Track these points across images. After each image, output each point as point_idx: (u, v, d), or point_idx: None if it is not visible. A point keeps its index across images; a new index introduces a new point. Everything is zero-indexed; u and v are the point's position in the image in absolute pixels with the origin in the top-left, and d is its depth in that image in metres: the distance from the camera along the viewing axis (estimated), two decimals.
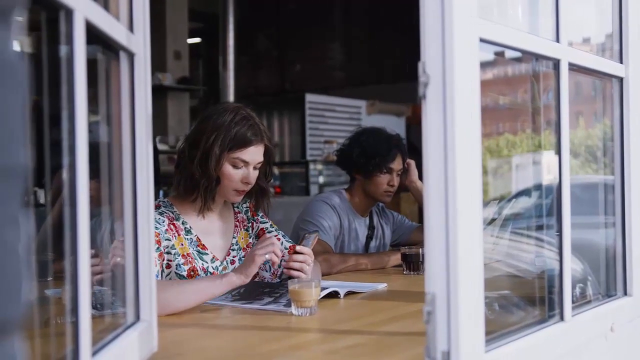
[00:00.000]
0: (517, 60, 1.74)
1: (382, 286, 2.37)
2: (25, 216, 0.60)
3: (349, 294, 2.19)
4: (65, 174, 1.03)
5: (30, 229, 0.60)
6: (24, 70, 0.59)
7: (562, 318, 1.53)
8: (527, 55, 1.61)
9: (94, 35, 1.13)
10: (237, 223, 2.39)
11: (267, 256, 1.99)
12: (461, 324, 1.17)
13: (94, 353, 1.11)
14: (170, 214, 2.21)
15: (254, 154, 2.22)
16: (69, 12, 1.01)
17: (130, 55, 1.36)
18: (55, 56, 1.04)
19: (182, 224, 2.23)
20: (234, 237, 2.35)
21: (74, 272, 1.02)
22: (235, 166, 2.20)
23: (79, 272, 1.02)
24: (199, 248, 2.23)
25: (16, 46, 0.58)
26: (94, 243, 1.08)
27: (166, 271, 2.13)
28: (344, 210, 3.05)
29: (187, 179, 2.22)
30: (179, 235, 2.20)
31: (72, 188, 1.02)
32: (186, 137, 2.28)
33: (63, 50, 1.03)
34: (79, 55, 1.02)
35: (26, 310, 0.60)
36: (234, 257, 2.32)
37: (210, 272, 2.22)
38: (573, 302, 1.57)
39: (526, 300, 1.74)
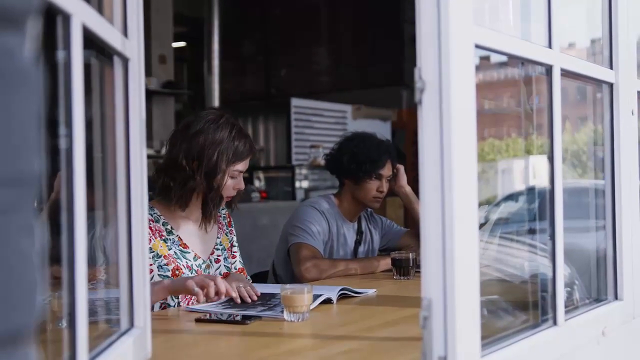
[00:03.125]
0: (502, 65, 1.75)
1: (372, 292, 2.37)
2: (38, 223, 0.59)
3: (342, 297, 2.20)
4: (62, 179, 1.02)
5: (43, 236, 0.60)
6: (38, 77, 0.58)
7: (555, 322, 1.53)
8: (513, 60, 1.62)
9: (89, 40, 1.12)
10: (220, 225, 2.49)
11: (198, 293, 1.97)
12: (458, 328, 1.17)
13: None
14: (149, 216, 2.23)
15: (247, 163, 2.37)
16: (67, 17, 1.00)
17: (125, 61, 1.35)
18: (51, 61, 1.04)
19: (163, 225, 2.30)
20: (218, 238, 2.45)
21: (70, 279, 1.01)
22: (232, 177, 2.32)
23: (76, 279, 1.01)
24: (180, 247, 2.30)
25: (30, 53, 0.58)
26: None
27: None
28: (333, 216, 3.05)
29: (189, 193, 2.28)
30: (156, 238, 2.26)
31: (69, 193, 1.01)
32: (183, 150, 2.27)
33: (59, 54, 1.03)
34: (76, 60, 1.02)
35: (40, 319, 0.59)
36: (218, 255, 2.42)
37: (195, 270, 2.30)
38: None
39: (518, 305, 1.74)
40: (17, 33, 0.56)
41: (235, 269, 2.44)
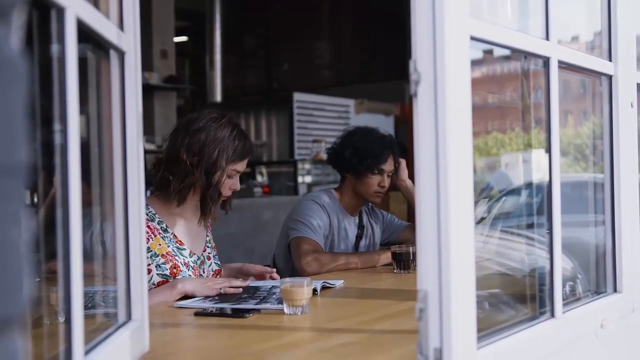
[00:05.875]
0: (506, 58, 1.75)
1: (339, 283, 2.41)
2: (26, 213, 0.60)
3: (324, 288, 2.25)
4: (57, 175, 1.02)
5: (31, 226, 0.61)
6: (24, 68, 0.59)
7: (552, 315, 1.53)
8: (516, 54, 1.61)
9: (84, 34, 1.13)
10: (209, 224, 2.53)
11: (221, 291, 2.16)
12: (453, 320, 1.17)
13: (86, 352, 1.11)
14: (145, 211, 2.25)
15: (245, 164, 2.41)
16: (61, 11, 1.00)
17: (121, 54, 1.36)
18: (45, 54, 1.04)
19: (158, 223, 2.32)
20: (207, 236, 2.50)
21: (66, 273, 1.02)
22: (229, 176, 2.35)
23: (71, 273, 1.02)
24: (177, 244, 2.33)
25: (16, 44, 0.58)
26: (83, 244, 1.08)
27: (147, 277, 2.20)
28: (334, 210, 3.05)
29: (187, 188, 2.30)
30: (155, 236, 2.28)
31: (64, 189, 1.01)
32: (185, 146, 2.29)
33: (54, 48, 1.03)
34: (70, 53, 1.02)
35: (27, 307, 0.60)
36: (209, 253, 2.47)
37: (191, 267, 2.34)
38: (563, 299, 1.57)
39: (517, 297, 1.74)
40: (2, 24, 0.56)
41: (212, 271, 2.46)
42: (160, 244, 2.28)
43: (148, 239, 2.23)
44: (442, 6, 1.17)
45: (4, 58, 0.55)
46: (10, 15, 0.57)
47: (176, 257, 2.29)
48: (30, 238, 0.61)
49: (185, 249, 2.35)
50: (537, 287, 1.66)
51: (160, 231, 2.31)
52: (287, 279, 1.97)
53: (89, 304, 1.39)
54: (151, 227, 2.28)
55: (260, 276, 2.46)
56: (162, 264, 2.25)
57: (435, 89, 1.18)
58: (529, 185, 2.11)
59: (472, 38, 1.26)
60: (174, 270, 2.27)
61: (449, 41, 1.17)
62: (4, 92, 0.55)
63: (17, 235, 0.57)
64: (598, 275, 1.90)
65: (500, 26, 1.41)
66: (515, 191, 2.64)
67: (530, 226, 1.99)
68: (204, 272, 2.39)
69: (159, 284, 2.22)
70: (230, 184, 2.36)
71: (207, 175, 2.29)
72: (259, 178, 7.45)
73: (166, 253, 2.27)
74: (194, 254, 2.38)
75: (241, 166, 2.37)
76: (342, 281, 2.43)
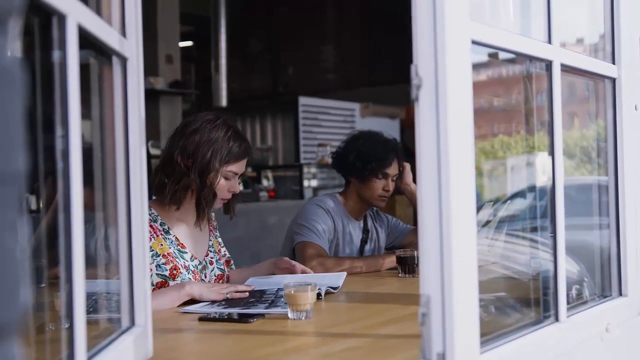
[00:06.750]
0: (511, 61, 1.74)
1: (342, 276, 2.42)
2: (23, 221, 0.60)
3: (328, 293, 2.23)
4: (59, 180, 1.03)
5: (27, 234, 0.61)
6: (21, 76, 0.59)
7: (557, 319, 1.53)
8: (521, 57, 1.61)
9: (86, 40, 1.13)
10: (211, 228, 2.53)
11: (228, 296, 2.15)
12: (456, 325, 1.17)
13: (89, 358, 1.11)
14: (148, 216, 2.26)
15: (243, 166, 2.39)
16: (62, 18, 1.00)
17: (123, 60, 1.36)
18: (47, 61, 1.04)
19: (160, 225, 2.33)
20: (210, 240, 2.50)
21: (68, 278, 1.02)
22: (226, 178, 2.35)
23: (73, 278, 1.02)
24: (179, 247, 2.34)
25: (13, 52, 0.58)
26: (87, 249, 1.08)
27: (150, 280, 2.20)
28: (338, 214, 3.05)
29: (182, 190, 2.31)
30: (157, 236, 2.29)
31: (66, 194, 1.02)
32: (179, 148, 2.31)
33: (55, 55, 1.03)
34: (72, 60, 1.02)
35: (24, 314, 0.60)
36: (211, 258, 2.47)
37: (192, 270, 2.34)
38: (569, 303, 1.57)
39: (521, 301, 1.74)
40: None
41: (215, 275, 2.46)
42: (162, 244, 2.28)
43: (150, 238, 2.23)
44: (442, 10, 1.17)
45: (1, 66, 0.55)
46: (7, 24, 0.57)
47: (177, 259, 2.29)
48: (28, 245, 0.61)
49: (186, 253, 2.35)
50: (541, 291, 1.65)
51: (163, 232, 2.31)
52: (291, 284, 1.96)
53: (92, 307, 1.39)
54: (154, 227, 2.29)
55: (288, 270, 2.48)
56: (163, 264, 2.26)
57: (436, 93, 1.18)
58: (534, 188, 2.11)
59: (473, 42, 1.26)
60: (174, 272, 2.27)
61: (450, 45, 1.18)
62: (1, 100, 0.55)
63: (13, 243, 0.57)
64: (603, 278, 1.90)
65: (502, 29, 1.41)
66: (521, 194, 2.64)
67: (535, 229, 1.98)
68: (205, 277, 2.39)
69: (158, 285, 2.23)
70: (228, 186, 2.35)
71: (201, 176, 2.29)
72: (265, 182, 7.45)
73: (167, 254, 2.28)
74: (196, 259, 2.37)
75: (237, 167, 2.35)
76: (345, 273, 2.44)
